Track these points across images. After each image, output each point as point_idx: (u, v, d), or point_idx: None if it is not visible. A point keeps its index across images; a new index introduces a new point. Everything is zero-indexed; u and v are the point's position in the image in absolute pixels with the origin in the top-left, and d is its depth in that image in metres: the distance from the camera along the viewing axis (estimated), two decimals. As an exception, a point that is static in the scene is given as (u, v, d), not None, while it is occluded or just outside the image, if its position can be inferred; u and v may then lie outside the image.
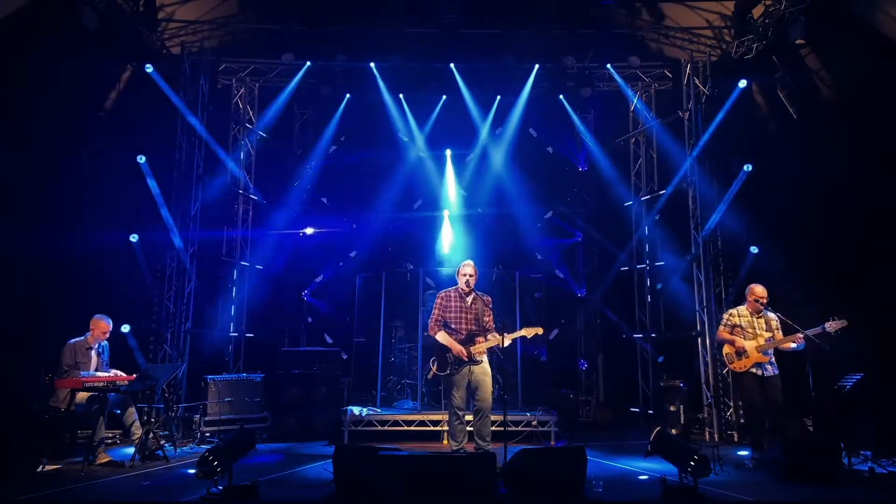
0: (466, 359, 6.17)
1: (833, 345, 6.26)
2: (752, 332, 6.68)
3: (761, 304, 6.69)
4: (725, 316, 6.95)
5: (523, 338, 6.38)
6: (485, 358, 6.31)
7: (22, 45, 7.52)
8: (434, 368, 6.30)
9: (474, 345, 6.24)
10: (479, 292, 6.47)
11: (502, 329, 6.15)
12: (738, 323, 6.76)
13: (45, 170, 7.93)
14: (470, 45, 9.51)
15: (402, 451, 5.33)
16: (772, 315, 6.69)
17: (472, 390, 6.24)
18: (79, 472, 5.77)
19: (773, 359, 6.64)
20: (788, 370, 6.72)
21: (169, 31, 9.16)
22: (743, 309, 6.84)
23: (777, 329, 6.66)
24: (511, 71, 9.73)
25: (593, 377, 10.69)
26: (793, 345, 6.45)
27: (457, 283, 6.46)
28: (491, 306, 6.50)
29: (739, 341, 6.66)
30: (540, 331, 6.29)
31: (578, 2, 9.51)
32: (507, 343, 6.17)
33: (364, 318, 9.54)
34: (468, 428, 6.35)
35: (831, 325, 6.21)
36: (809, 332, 6.31)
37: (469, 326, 6.31)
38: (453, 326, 6.28)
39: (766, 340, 6.59)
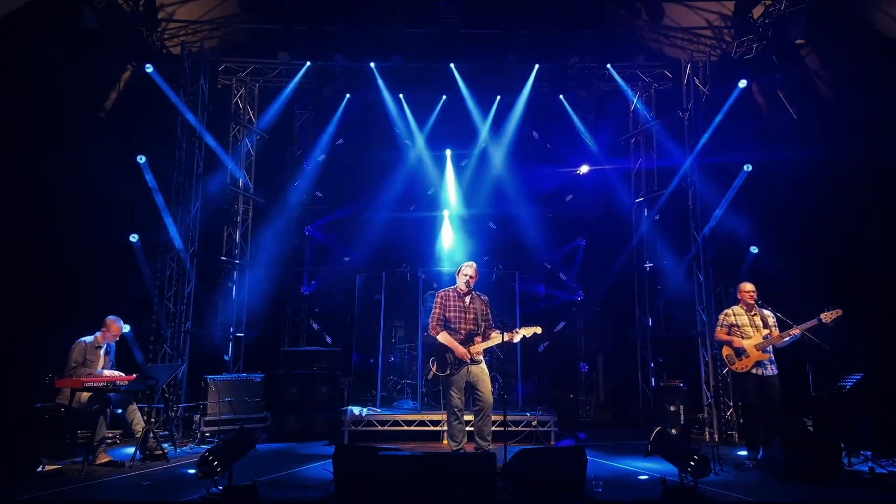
0: (468, 359, 6.18)
1: (833, 344, 6.27)
2: (750, 329, 6.68)
3: (753, 299, 6.72)
4: (721, 316, 6.93)
5: (523, 338, 6.40)
6: (482, 358, 6.35)
7: (22, 45, 7.52)
8: (434, 369, 6.31)
9: (473, 345, 6.26)
10: (476, 292, 6.49)
11: (502, 328, 6.15)
12: (734, 322, 6.76)
13: (45, 170, 7.93)
14: (470, 45, 9.51)
15: (402, 451, 5.32)
16: (767, 311, 6.70)
17: (471, 389, 6.25)
18: (79, 472, 5.78)
19: (773, 357, 6.64)
20: (788, 370, 6.73)
21: (169, 31, 9.16)
22: (738, 308, 6.84)
23: (774, 325, 6.65)
24: (511, 71, 9.75)
25: (593, 377, 10.68)
26: (787, 339, 6.46)
27: (455, 283, 6.48)
28: (488, 305, 6.52)
29: (737, 341, 6.66)
30: (539, 330, 6.35)
31: (578, 2, 9.52)
32: (516, 340, 6.25)
33: (364, 318, 9.54)
34: (468, 428, 6.36)
35: (826, 316, 6.23)
36: (805, 326, 6.35)
37: (468, 326, 6.33)
38: (453, 326, 6.29)
39: (763, 338, 6.59)
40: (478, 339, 6.30)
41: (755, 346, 6.58)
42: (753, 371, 6.58)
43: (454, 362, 6.19)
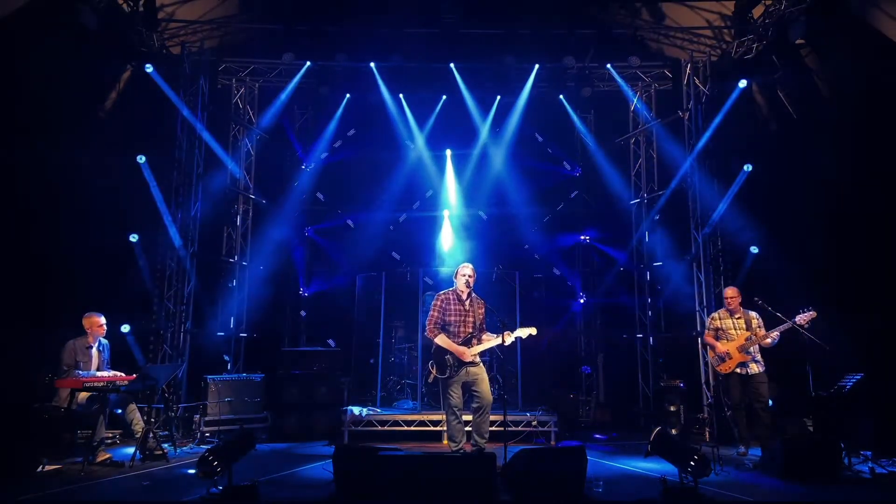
0: (467, 360, 6.19)
1: (833, 344, 6.31)
2: (733, 332, 7.01)
3: (732, 304, 7.03)
4: (708, 320, 7.30)
5: (518, 338, 6.43)
6: (480, 359, 6.37)
7: (22, 45, 7.52)
8: (434, 371, 6.28)
9: (471, 347, 6.26)
10: (475, 294, 6.51)
11: (502, 328, 6.15)
12: (719, 326, 7.12)
13: (45, 169, 7.93)
14: (470, 45, 9.51)
15: (402, 451, 5.32)
16: (752, 314, 7.03)
17: (469, 388, 6.26)
18: (79, 472, 5.77)
19: (758, 356, 6.93)
20: (788, 370, 6.76)
21: (169, 31, 9.16)
22: (722, 311, 7.20)
23: (759, 327, 6.95)
24: (511, 71, 9.74)
25: (593, 377, 10.68)
26: (769, 340, 6.74)
27: (454, 285, 6.46)
28: (486, 308, 6.52)
29: (719, 347, 6.98)
30: (534, 331, 6.37)
31: (578, 2, 9.52)
32: (508, 342, 6.22)
33: (364, 318, 9.53)
34: (466, 428, 6.36)
35: (802, 318, 6.44)
36: (782, 328, 6.59)
37: (467, 329, 6.32)
38: (452, 330, 6.28)
39: (746, 339, 6.87)
40: (475, 341, 6.31)
41: (737, 347, 6.90)
42: (737, 371, 6.90)
43: (454, 364, 6.18)
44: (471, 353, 6.22)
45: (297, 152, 10.93)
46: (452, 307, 6.34)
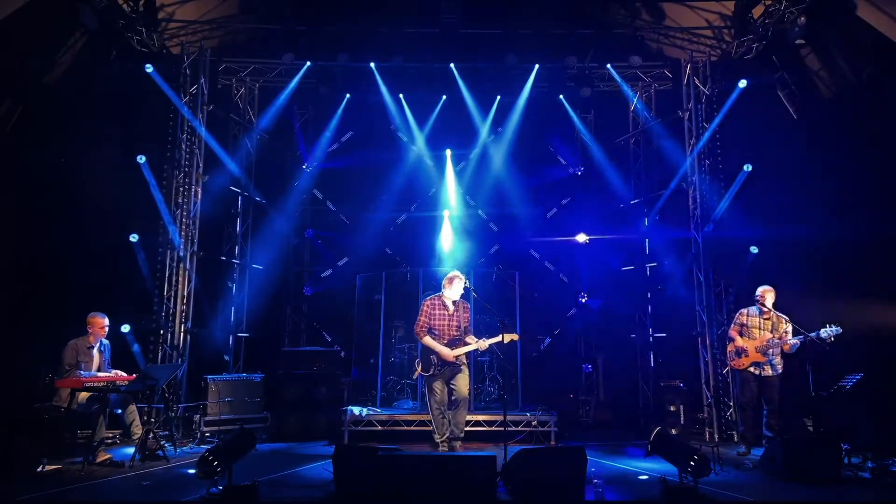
0: (452, 360, 6.47)
1: (833, 345, 6.33)
2: (756, 332, 7.00)
3: (761, 302, 6.96)
4: (736, 315, 7.30)
5: (500, 343, 6.59)
6: (464, 360, 6.67)
7: (22, 46, 7.53)
8: (419, 369, 6.65)
9: (455, 349, 6.55)
10: (461, 299, 6.77)
11: (502, 328, 6.37)
12: (745, 322, 7.12)
13: (45, 170, 7.93)
14: (470, 45, 9.52)
15: (401, 451, 5.32)
16: (783, 318, 6.94)
17: (448, 383, 6.60)
18: (79, 472, 5.77)
19: (776, 359, 6.85)
20: (788, 370, 6.79)
21: (169, 31, 9.16)
22: (752, 309, 7.16)
23: (785, 332, 6.89)
24: (511, 71, 9.73)
25: (593, 377, 10.67)
26: (788, 346, 6.78)
27: (441, 290, 6.72)
28: (469, 311, 6.86)
29: (739, 341, 7.00)
30: (516, 337, 6.69)
31: (578, 2, 9.52)
32: (484, 347, 6.57)
33: (364, 318, 9.53)
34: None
35: (829, 335, 6.40)
36: (803, 338, 6.57)
37: (451, 333, 6.64)
38: (437, 334, 6.61)
39: (766, 341, 6.84)
40: (460, 343, 6.61)
41: (755, 347, 6.88)
42: (751, 370, 6.93)
43: (438, 363, 6.51)
44: (454, 354, 6.52)
45: (297, 152, 10.93)
46: (437, 312, 6.67)
